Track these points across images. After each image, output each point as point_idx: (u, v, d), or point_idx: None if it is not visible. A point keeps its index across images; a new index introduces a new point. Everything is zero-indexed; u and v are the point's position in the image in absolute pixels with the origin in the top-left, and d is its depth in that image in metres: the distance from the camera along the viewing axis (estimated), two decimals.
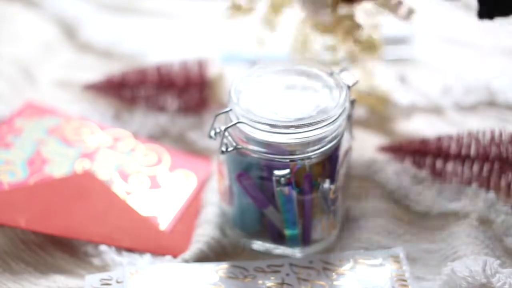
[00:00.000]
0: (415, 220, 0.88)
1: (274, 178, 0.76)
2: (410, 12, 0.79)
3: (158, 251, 0.83)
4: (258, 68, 0.81)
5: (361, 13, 0.85)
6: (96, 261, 0.82)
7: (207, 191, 0.90)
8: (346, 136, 0.79)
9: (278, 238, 0.82)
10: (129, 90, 1.02)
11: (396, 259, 0.81)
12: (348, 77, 0.79)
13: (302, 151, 0.75)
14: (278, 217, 0.80)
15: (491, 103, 1.03)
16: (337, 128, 0.76)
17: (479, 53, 1.13)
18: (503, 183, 0.87)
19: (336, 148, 0.78)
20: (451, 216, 0.87)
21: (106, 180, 0.90)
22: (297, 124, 0.74)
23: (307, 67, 0.81)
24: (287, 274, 0.79)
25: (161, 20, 1.20)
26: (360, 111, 1.00)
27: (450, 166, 0.89)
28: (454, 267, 0.78)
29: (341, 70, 0.80)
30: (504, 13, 0.70)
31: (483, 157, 0.87)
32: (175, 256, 0.82)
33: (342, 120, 0.77)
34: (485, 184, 0.87)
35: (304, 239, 0.82)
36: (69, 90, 1.07)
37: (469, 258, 0.79)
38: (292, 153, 0.75)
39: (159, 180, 0.92)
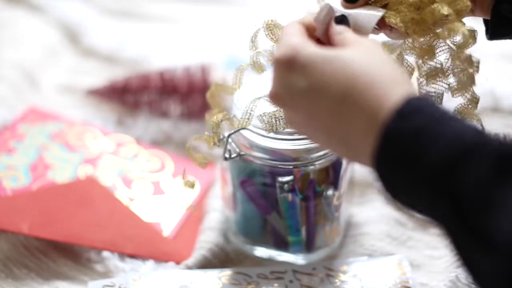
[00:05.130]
0: (419, 226, 0.88)
1: (277, 185, 0.76)
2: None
3: (161, 258, 0.83)
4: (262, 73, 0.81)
5: None
6: (99, 267, 0.82)
7: (211, 197, 0.90)
8: None
9: (282, 244, 0.82)
10: (132, 95, 1.02)
11: (400, 266, 0.80)
12: None
13: (305, 157, 0.75)
14: (281, 223, 0.80)
15: (495, 109, 1.03)
16: None
17: (483, 58, 1.12)
18: None
19: None
20: None
21: (109, 186, 0.90)
22: None
23: None
24: (290, 281, 0.79)
25: (164, 25, 1.20)
26: None
27: None
28: (458, 273, 0.78)
29: None
30: None
31: None
32: (178, 262, 0.82)
33: None
34: None
35: (308, 246, 0.81)
36: (72, 95, 1.07)
37: None
38: (295, 159, 0.75)
39: (162, 186, 0.91)
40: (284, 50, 0.61)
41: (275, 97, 0.62)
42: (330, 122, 0.59)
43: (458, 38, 0.68)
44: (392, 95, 0.56)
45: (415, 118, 0.55)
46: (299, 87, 0.60)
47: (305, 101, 0.60)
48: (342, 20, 0.65)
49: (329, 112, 0.59)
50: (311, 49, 0.60)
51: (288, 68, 0.60)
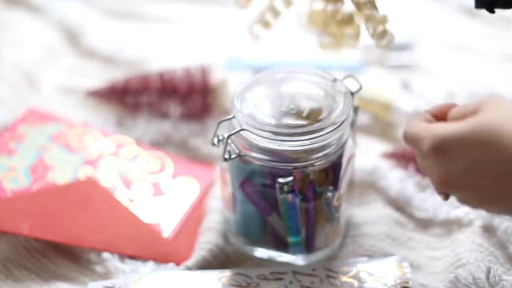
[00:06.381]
0: (418, 227, 0.88)
1: (277, 186, 0.76)
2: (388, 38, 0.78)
3: (161, 259, 0.83)
4: (261, 75, 0.81)
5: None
6: (99, 268, 0.82)
7: (210, 198, 0.90)
8: (349, 143, 0.79)
9: (281, 245, 0.82)
10: (132, 97, 1.02)
11: (400, 266, 0.80)
12: (351, 84, 0.79)
13: (305, 158, 0.75)
14: (281, 224, 0.80)
15: None
16: (341, 135, 0.76)
17: (483, 58, 1.13)
18: None
19: (340, 155, 0.77)
20: (455, 223, 0.87)
21: (109, 187, 0.90)
22: (300, 131, 0.74)
23: (310, 74, 0.81)
24: (290, 282, 0.79)
25: (164, 26, 1.20)
26: (363, 118, 1.00)
27: None
28: (458, 274, 0.78)
29: (345, 77, 0.80)
30: (505, 5, 0.72)
31: None
32: (178, 263, 0.82)
33: (345, 127, 0.76)
34: None
35: (308, 247, 0.81)
36: (72, 96, 1.07)
37: (473, 265, 0.79)
38: (295, 160, 0.75)
39: (162, 187, 0.91)
40: (426, 141, 0.65)
41: (445, 184, 0.65)
42: (501, 189, 0.62)
43: None
44: None
45: None
46: (461, 166, 0.63)
47: (470, 178, 0.63)
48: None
49: (497, 180, 0.62)
50: (448, 128, 0.63)
51: (442, 154, 0.64)
